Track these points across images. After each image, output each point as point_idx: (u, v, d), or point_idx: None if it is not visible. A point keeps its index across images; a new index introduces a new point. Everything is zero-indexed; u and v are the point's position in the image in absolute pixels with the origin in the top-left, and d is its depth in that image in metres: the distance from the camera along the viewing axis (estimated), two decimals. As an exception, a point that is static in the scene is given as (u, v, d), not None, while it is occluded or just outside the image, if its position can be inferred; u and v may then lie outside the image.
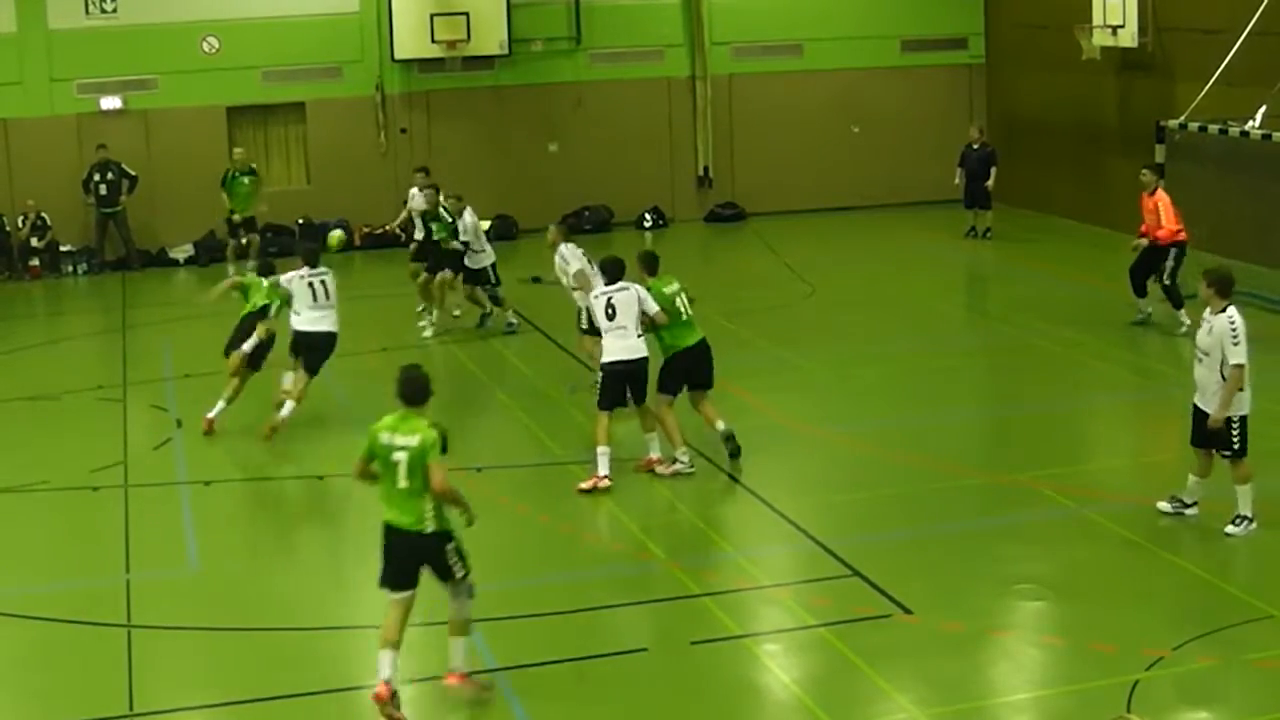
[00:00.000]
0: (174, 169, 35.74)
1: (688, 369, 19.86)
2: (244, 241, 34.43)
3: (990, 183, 33.62)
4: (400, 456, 13.40)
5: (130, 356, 27.11)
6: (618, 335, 19.16)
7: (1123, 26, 32.61)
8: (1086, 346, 25.26)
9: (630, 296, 19.19)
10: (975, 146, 34.85)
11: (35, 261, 35.04)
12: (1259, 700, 13.29)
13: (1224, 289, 16.74)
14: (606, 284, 19.48)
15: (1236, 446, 16.73)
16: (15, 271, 35.08)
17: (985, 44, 40.03)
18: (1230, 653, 14.03)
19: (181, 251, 36.07)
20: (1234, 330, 16.47)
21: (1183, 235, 25.50)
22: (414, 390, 13.67)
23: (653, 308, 19.23)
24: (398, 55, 36.62)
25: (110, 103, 35.73)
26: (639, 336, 19.22)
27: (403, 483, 13.41)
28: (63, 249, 35.43)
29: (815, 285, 29.97)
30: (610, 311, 19.18)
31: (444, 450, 13.43)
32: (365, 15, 36.84)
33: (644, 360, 19.29)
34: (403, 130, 37.48)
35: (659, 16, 38.59)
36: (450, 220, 26.82)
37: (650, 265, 20.35)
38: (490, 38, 36.55)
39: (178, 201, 35.76)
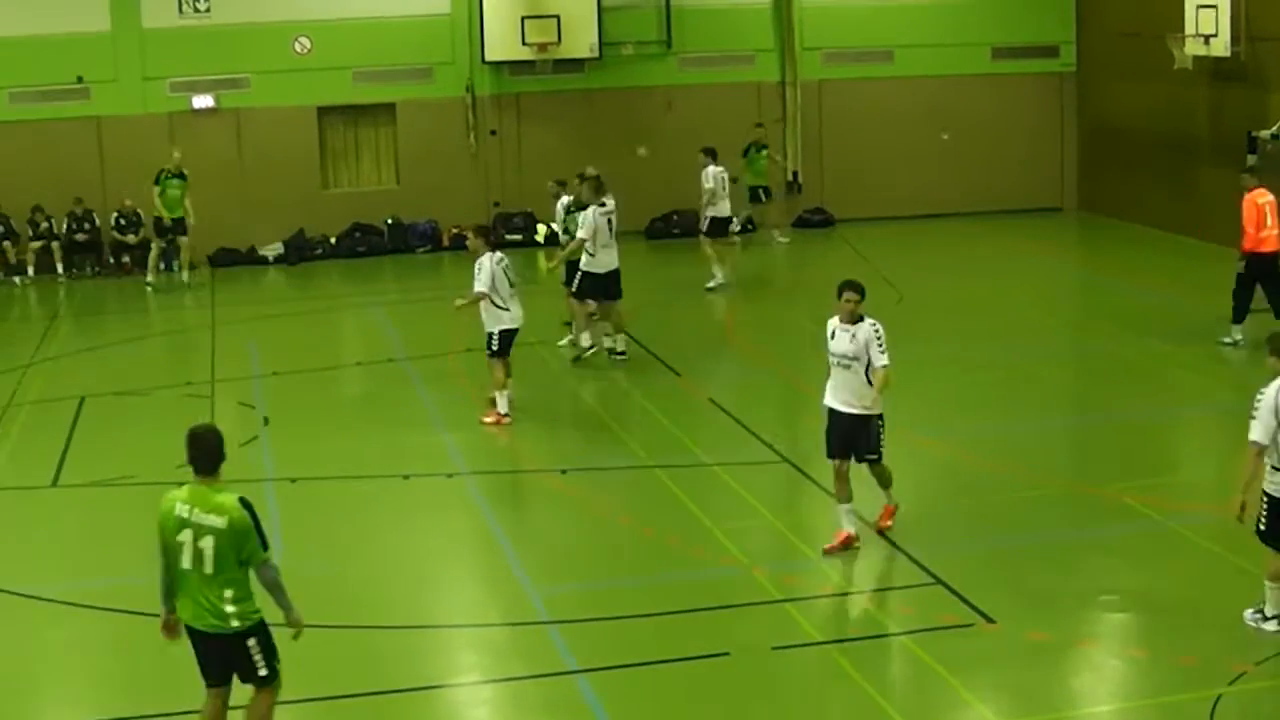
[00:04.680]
0: (264, 168, 36.00)
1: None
2: (169, 242, 34.31)
3: None
4: (205, 543, 11.62)
5: (219, 353, 27.28)
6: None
7: (1215, 36, 32.37)
8: (1175, 357, 25.10)
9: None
10: None
11: (127, 258, 35.38)
12: (1344, 717, 13.17)
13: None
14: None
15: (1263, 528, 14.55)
16: (107, 268, 35.44)
17: (1076, 52, 39.81)
18: (1315, 669, 13.91)
19: (271, 250, 36.29)
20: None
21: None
22: (202, 454, 11.87)
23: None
24: (488, 57, 36.76)
25: (202, 101, 36.01)
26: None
27: (208, 569, 11.63)
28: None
29: (903, 292, 29.86)
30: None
31: (260, 536, 11.75)
32: (456, 17, 36.99)
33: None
34: (492, 132, 37.60)
35: (750, 21, 38.58)
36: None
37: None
38: (581, 41, 36.65)
39: (268, 200, 36.02)
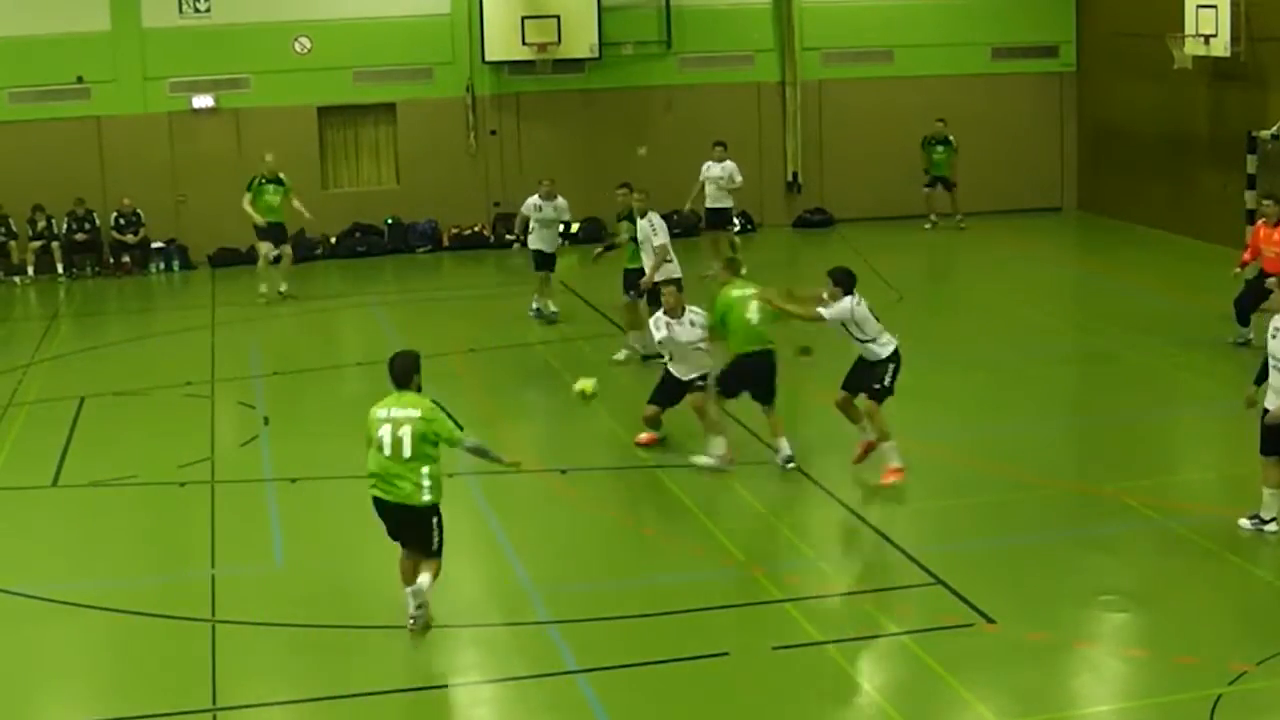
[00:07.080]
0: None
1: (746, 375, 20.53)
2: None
3: None
4: (403, 431, 14.65)
5: (219, 353, 27.28)
6: None
7: (1215, 36, 32.36)
8: (1174, 358, 25.10)
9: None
10: None
11: (127, 258, 35.40)
12: (1344, 717, 13.17)
13: None
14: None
15: None
16: (107, 268, 35.46)
17: (1076, 52, 39.81)
18: (1316, 669, 13.91)
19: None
20: None
21: None
22: (396, 373, 15.00)
23: None
24: (488, 57, 36.76)
25: (202, 101, 36.01)
26: None
27: (406, 453, 14.65)
28: (153, 245, 35.80)
29: (903, 292, 29.87)
30: None
31: (453, 420, 14.84)
32: (456, 17, 36.99)
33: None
34: (492, 132, 37.60)
35: (750, 21, 38.57)
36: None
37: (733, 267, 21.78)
38: (581, 41, 36.64)
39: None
